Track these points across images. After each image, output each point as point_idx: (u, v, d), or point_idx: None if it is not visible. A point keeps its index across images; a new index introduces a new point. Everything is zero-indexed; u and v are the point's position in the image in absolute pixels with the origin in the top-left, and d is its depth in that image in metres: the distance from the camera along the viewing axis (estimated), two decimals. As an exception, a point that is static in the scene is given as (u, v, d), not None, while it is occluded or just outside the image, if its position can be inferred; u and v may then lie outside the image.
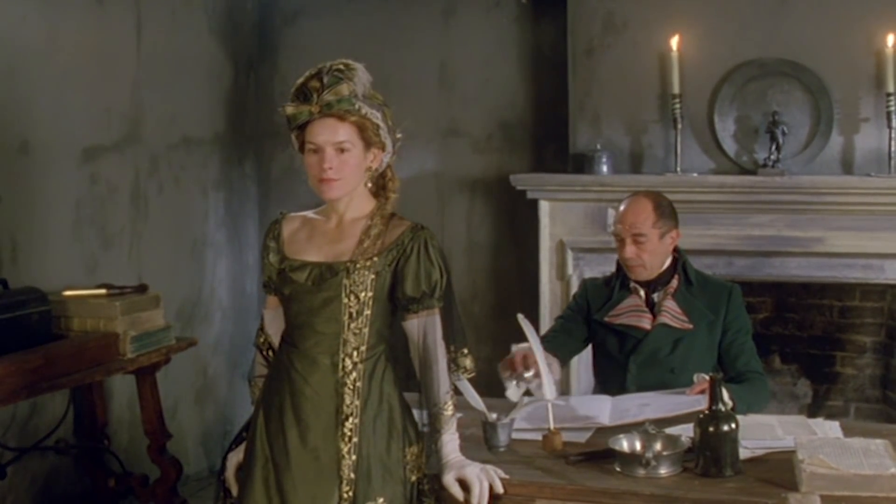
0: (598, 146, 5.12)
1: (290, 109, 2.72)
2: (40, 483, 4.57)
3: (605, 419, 3.26)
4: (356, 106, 2.70)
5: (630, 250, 3.63)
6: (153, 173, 5.18)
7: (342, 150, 2.71)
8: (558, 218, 5.16)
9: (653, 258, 3.66)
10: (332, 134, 2.70)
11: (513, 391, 3.32)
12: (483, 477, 2.75)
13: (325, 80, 2.69)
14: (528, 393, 3.29)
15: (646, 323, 3.66)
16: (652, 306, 3.69)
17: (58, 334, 4.11)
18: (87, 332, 4.19)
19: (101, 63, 4.81)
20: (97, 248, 4.82)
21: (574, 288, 4.99)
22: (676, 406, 3.26)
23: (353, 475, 2.68)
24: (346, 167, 2.72)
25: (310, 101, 2.70)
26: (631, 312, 3.69)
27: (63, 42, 4.60)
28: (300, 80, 2.74)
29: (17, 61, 4.37)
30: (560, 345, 3.71)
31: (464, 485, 2.75)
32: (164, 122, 5.24)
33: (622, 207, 3.70)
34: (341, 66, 2.72)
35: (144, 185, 5.13)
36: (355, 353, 2.72)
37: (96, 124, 4.82)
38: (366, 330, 2.72)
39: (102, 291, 4.34)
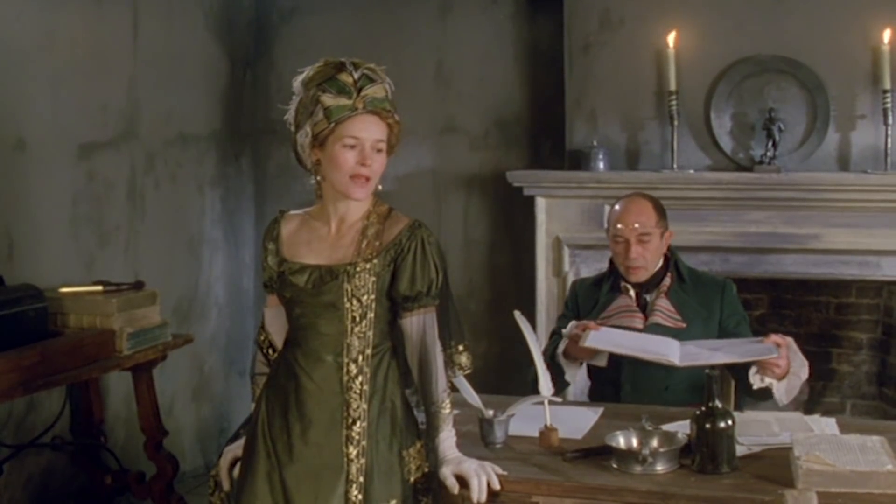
0: (595, 143, 5.12)
1: (329, 100, 2.66)
2: (37, 480, 4.57)
3: (676, 359, 3.28)
4: (393, 109, 2.71)
5: (636, 251, 3.62)
6: (149, 170, 5.18)
7: (378, 150, 2.71)
8: (555, 214, 5.16)
9: (654, 258, 3.68)
10: (374, 132, 2.70)
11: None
12: (480, 473, 2.75)
13: (356, 75, 2.67)
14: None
15: (637, 323, 3.65)
16: (644, 306, 3.69)
17: (54, 331, 4.10)
18: (84, 329, 4.18)
19: (97, 60, 4.81)
20: (93, 244, 4.82)
21: (570, 284, 5.01)
22: (747, 353, 3.29)
23: (362, 479, 2.67)
24: (379, 167, 2.72)
25: (348, 94, 2.66)
26: (622, 313, 3.67)
27: (59, 39, 4.60)
28: (324, 71, 2.68)
29: (13, 58, 4.37)
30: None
31: (461, 481, 2.75)
32: (160, 118, 5.24)
33: (621, 209, 3.69)
34: (372, 67, 2.71)
35: (141, 182, 5.12)
36: (360, 358, 2.71)
37: (93, 121, 4.82)
38: (370, 333, 2.72)
39: (99, 288, 4.33)
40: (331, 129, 2.67)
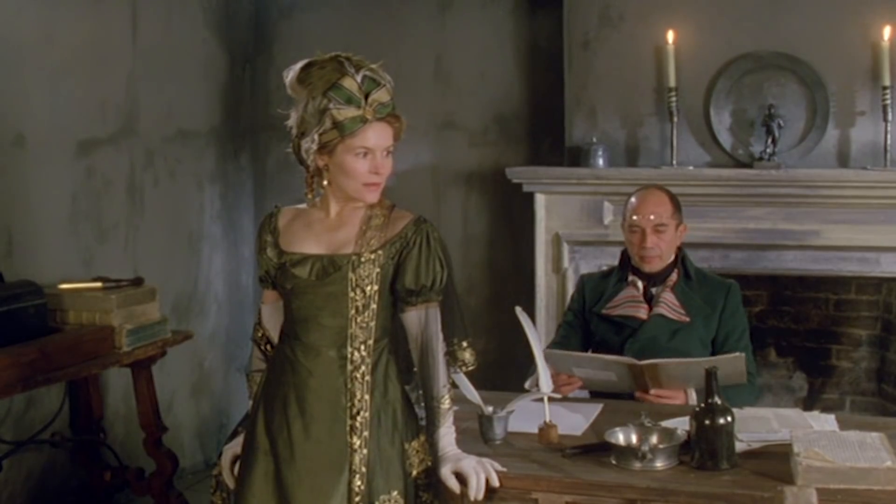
0: (594, 139, 5.11)
1: (338, 113, 2.64)
2: (36, 476, 4.57)
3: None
4: (397, 111, 2.72)
5: (652, 240, 3.67)
6: (149, 166, 5.18)
7: (387, 154, 2.72)
8: (554, 211, 5.16)
9: (669, 249, 3.73)
10: (385, 138, 2.71)
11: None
12: (480, 470, 2.75)
13: (359, 79, 2.65)
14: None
15: (642, 313, 3.69)
16: (649, 299, 3.72)
17: (53, 327, 4.10)
18: (83, 326, 4.18)
19: (96, 56, 4.81)
20: (93, 241, 4.82)
21: (569, 281, 5.02)
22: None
23: (364, 469, 2.68)
24: (389, 171, 2.73)
25: (356, 103, 2.65)
26: (628, 303, 3.73)
27: (58, 35, 4.59)
28: (326, 76, 2.66)
29: (13, 54, 4.36)
30: (571, 349, 3.72)
31: (460, 478, 2.75)
32: (159, 115, 5.23)
33: (638, 200, 3.74)
34: (372, 67, 2.70)
35: (140, 179, 5.12)
36: (363, 347, 2.72)
37: (92, 117, 4.81)
38: (372, 324, 2.72)
39: (98, 285, 4.33)
40: (340, 139, 2.67)
